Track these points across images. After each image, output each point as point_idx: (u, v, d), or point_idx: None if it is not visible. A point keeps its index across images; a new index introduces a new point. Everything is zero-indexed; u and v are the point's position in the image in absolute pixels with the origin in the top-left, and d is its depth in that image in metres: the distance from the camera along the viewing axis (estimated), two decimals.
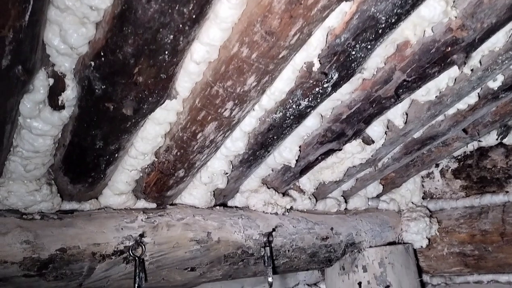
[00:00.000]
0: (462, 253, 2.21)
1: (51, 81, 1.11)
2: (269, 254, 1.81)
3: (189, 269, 1.65)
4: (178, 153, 1.47)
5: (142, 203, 1.67)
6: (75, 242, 1.40)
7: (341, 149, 1.71)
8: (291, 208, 2.01)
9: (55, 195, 1.43)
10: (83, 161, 1.34)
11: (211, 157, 1.56)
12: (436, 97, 1.55)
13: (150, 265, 1.55)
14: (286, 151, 1.68)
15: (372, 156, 1.83)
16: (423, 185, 2.45)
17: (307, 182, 1.99)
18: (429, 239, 2.28)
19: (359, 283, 2.12)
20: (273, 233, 1.85)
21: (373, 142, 1.73)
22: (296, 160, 1.71)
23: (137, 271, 1.48)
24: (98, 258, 1.43)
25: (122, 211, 1.59)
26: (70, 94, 1.14)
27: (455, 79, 1.49)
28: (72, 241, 1.39)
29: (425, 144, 1.92)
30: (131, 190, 1.61)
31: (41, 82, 1.10)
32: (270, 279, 1.80)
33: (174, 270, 1.62)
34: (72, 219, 1.45)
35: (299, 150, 1.70)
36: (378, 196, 2.38)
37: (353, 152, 1.78)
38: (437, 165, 2.41)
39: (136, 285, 1.48)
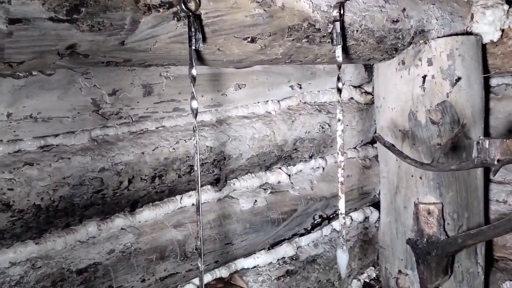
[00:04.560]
0: None
1: None
2: (338, 31, 1.48)
3: (249, 39, 1.32)
4: None
5: None
6: None
7: None
8: None
9: None
10: None
11: None
12: None
13: (205, 27, 1.21)
14: None
15: None
16: None
17: None
18: (502, 31, 1.97)
19: (424, 77, 1.86)
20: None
21: None
22: None
23: (193, 29, 1.15)
24: (143, 9, 1.07)
25: None
26: None
27: None
28: None
29: None
30: None
31: None
32: (339, 59, 1.51)
33: (232, 38, 1.29)
34: None
35: None
36: None
37: None
38: None
39: (192, 47, 1.16)
